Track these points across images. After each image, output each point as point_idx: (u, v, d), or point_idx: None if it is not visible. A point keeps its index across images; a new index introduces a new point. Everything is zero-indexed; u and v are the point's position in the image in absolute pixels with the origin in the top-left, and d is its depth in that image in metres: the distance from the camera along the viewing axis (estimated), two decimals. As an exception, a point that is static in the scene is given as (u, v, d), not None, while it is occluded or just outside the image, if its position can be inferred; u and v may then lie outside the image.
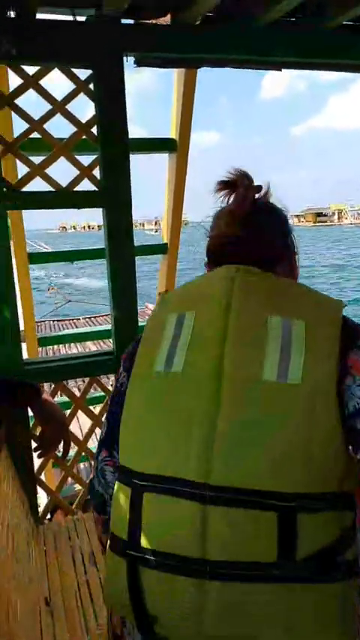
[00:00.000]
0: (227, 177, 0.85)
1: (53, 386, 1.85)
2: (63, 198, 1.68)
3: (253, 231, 0.84)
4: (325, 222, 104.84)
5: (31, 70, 1.64)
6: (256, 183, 0.86)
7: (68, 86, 1.72)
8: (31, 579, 1.34)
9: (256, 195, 0.86)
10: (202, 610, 0.64)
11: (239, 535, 0.64)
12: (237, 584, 0.64)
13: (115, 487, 0.78)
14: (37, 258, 2.30)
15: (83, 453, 1.94)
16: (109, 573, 0.76)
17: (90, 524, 1.75)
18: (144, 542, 0.69)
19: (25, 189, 1.64)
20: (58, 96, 1.69)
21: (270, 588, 0.64)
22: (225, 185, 0.85)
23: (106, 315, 9.56)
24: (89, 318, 9.94)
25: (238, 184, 0.84)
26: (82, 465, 3.48)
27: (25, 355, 2.18)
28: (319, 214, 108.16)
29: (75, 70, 1.69)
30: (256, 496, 0.64)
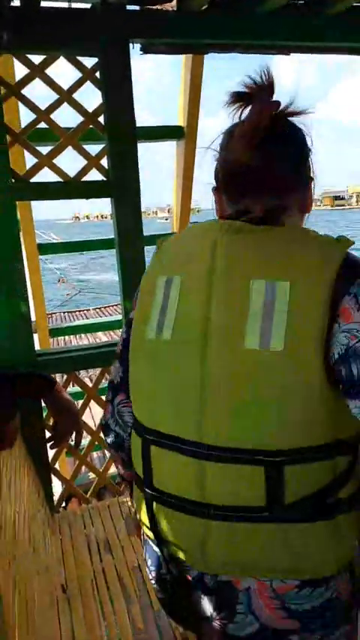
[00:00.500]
0: (243, 86, 0.76)
1: (65, 377, 1.86)
2: (71, 188, 1.67)
3: (264, 160, 0.77)
4: (343, 205, 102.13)
5: (36, 59, 1.63)
6: None
7: (74, 77, 1.71)
8: (47, 567, 1.36)
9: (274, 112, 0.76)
10: (206, 543, 0.74)
11: (231, 485, 0.72)
12: (235, 523, 0.72)
13: (132, 432, 0.85)
14: (46, 248, 2.30)
15: (96, 443, 1.96)
16: (136, 501, 0.88)
17: (105, 513, 1.77)
18: (155, 484, 0.79)
19: (33, 179, 1.63)
20: (65, 88, 1.68)
21: (265, 527, 0.72)
22: (239, 98, 0.77)
23: (116, 306, 9.57)
24: (99, 308, 9.95)
25: (254, 98, 0.76)
26: (95, 454, 3.51)
27: (37, 346, 2.19)
28: (337, 197, 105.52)
29: (81, 59, 1.68)
30: (245, 454, 0.70)
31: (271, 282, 0.70)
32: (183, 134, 2.17)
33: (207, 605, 0.80)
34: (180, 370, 0.74)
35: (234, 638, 0.79)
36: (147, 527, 0.83)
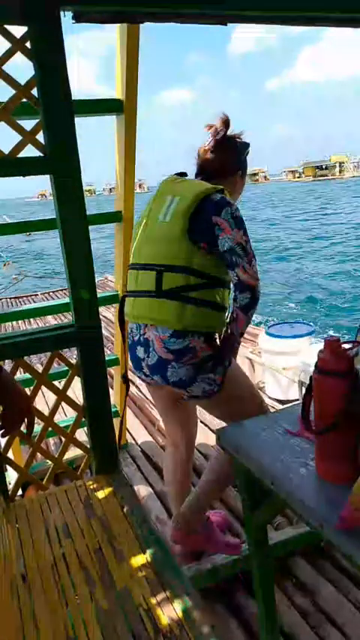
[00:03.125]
0: (212, 123, 1.78)
1: (13, 363, 1.80)
2: (6, 165, 1.59)
3: (212, 159, 1.78)
4: (326, 175, 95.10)
5: None
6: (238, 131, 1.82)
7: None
8: (5, 557, 1.33)
9: (220, 135, 1.77)
10: (133, 308, 1.70)
11: (142, 281, 1.66)
12: (142, 298, 1.65)
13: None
14: (-15, 231, 2.19)
15: (50, 429, 1.92)
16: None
17: (62, 498, 1.75)
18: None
19: (-36, 158, 1.54)
20: None
21: (154, 300, 1.61)
22: (209, 127, 1.79)
23: (65, 290, 9.37)
24: (47, 293, 9.72)
25: (214, 129, 1.77)
26: (51, 440, 3.45)
27: (-19, 334, 2.10)
28: (319, 167, 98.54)
29: (9, 28, 1.58)
30: (148, 266, 1.65)
31: (172, 197, 1.66)
32: (122, 108, 2.10)
33: (140, 350, 1.70)
34: (140, 233, 1.73)
35: (148, 367, 1.68)
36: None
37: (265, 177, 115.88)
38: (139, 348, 1.69)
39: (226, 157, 1.77)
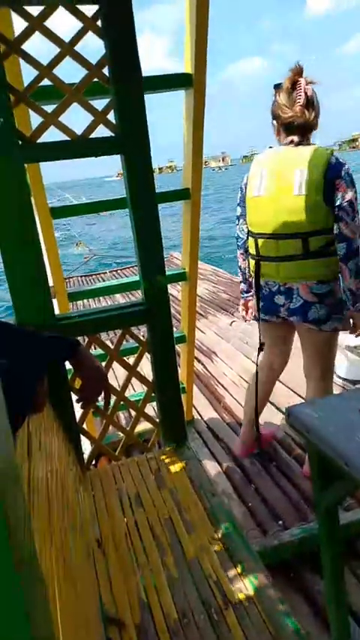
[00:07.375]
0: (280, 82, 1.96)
1: (87, 339, 1.87)
2: (79, 146, 1.62)
3: (308, 114, 1.93)
4: None
5: (35, 11, 1.55)
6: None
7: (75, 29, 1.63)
8: (82, 523, 1.41)
9: (307, 88, 1.92)
10: (279, 269, 2.07)
11: (287, 247, 2.00)
12: (287, 262, 2.03)
13: (250, 238, 2.17)
14: (60, 212, 2.26)
15: (122, 402, 1.98)
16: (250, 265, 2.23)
17: (134, 469, 1.81)
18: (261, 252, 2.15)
19: (39, 140, 1.59)
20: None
21: (302, 261, 2.00)
22: (289, 83, 1.93)
23: (132, 267, 9.51)
24: (115, 271, 9.92)
25: (299, 83, 1.92)
26: (122, 414, 3.57)
27: (56, 311, 2.20)
28: None
29: (81, 8, 1.60)
30: (292, 235, 1.98)
31: (300, 169, 1.88)
32: (191, 82, 2.07)
33: (280, 299, 2.09)
34: (268, 206, 1.98)
35: (288, 310, 2.09)
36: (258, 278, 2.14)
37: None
38: (279, 296, 2.09)
39: (313, 107, 1.89)
